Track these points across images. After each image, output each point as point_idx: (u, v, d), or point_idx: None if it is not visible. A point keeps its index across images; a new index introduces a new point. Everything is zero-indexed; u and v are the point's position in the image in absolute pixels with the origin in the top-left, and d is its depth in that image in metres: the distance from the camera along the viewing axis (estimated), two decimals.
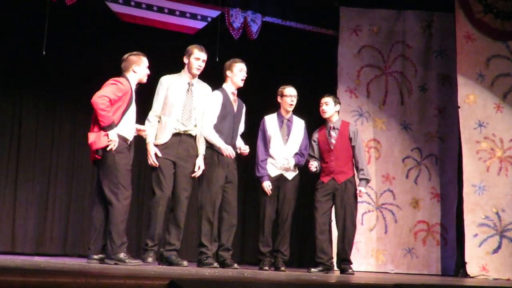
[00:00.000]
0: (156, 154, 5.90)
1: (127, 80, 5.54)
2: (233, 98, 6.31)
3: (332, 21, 8.98)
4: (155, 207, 5.91)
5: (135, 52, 5.69)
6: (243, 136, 6.54)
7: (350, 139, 6.74)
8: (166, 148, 5.92)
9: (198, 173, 6.00)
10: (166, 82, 6.03)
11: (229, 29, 8.23)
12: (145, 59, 5.67)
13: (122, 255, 5.29)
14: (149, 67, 5.67)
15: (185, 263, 5.83)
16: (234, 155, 6.14)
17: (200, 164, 6.01)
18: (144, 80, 5.67)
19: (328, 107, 6.77)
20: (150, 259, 5.78)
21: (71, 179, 8.35)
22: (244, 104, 6.49)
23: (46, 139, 8.31)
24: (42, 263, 4.51)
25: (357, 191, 6.66)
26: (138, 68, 5.60)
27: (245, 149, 6.36)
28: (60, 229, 8.20)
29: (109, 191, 5.35)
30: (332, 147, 6.71)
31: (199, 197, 6.16)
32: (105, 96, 5.34)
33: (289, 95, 6.70)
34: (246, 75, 6.34)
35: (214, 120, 6.14)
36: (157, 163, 5.89)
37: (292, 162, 6.62)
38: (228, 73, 6.33)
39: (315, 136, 6.87)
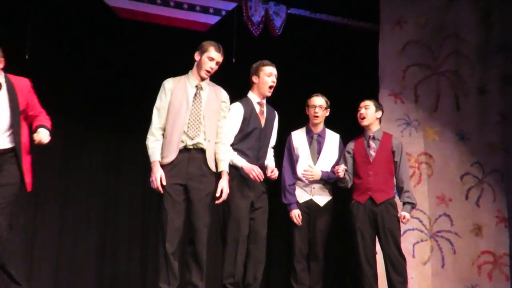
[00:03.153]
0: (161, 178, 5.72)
1: None
2: (260, 110, 6.27)
3: (371, 12, 8.92)
4: (160, 251, 5.74)
5: None
6: None
7: (393, 152, 6.73)
8: (174, 168, 5.74)
9: (222, 197, 5.84)
10: (170, 85, 5.89)
11: (248, 24, 8.22)
12: None
13: None
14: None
15: None
16: (263, 177, 6.04)
17: (223, 186, 5.85)
18: None
19: (368, 111, 6.78)
20: None
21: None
22: (275, 112, 6.49)
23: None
24: None
25: (400, 217, 6.62)
26: None
27: (273, 173, 6.22)
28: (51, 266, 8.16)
29: None
30: (371, 160, 6.69)
31: (220, 229, 6.12)
32: None
33: (313, 105, 6.76)
34: (275, 82, 6.30)
35: (231, 138, 6.09)
36: (161, 189, 5.70)
37: (317, 173, 6.60)
38: (254, 78, 6.30)
39: (350, 146, 6.86)
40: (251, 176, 5.95)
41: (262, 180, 6.02)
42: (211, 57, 5.89)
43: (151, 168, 5.76)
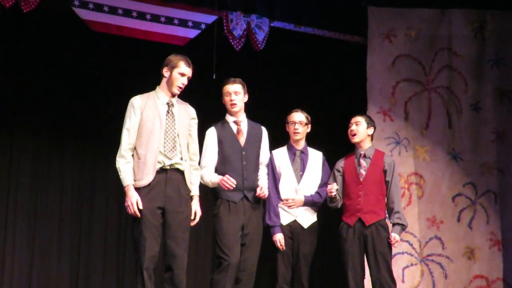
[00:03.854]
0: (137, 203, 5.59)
1: None
2: (237, 129, 6.28)
3: (358, 25, 8.89)
4: (138, 280, 5.60)
5: None
6: None
7: (385, 172, 6.64)
8: (151, 190, 5.59)
9: (195, 220, 5.80)
10: (139, 103, 5.73)
11: (229, 38, 8.13)
12: None
13: None
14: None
15: None
16: (235, 183, 6.01)
17: (196, 209, 5.80)
18: None
19: (359, 128, 6.69)
20: None
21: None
22: (262, 128, 6.50)
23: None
24: None
25: (390, 238, 6.52)
26: None
27: (261, 191, 6.21)
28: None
29: None
30: (361, 179, 6.59)
31: (215, 252, 6.18)
32: None
33: (293, 121, 6.71)
34: (234, 99, 6.26)
35: (208, 164, 6.15)
36: (138, 213, 5.54)
37: (299, 200, 6.53)
38: (223, 101, 6.36)
39: (340, 164, 6.78)
40: (224, 187, 5.97)
41: (234, 186, 6.00)
42: (182, 72, 5.78)
43: (124, 192, 5.62)
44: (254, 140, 6.34)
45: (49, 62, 8.14)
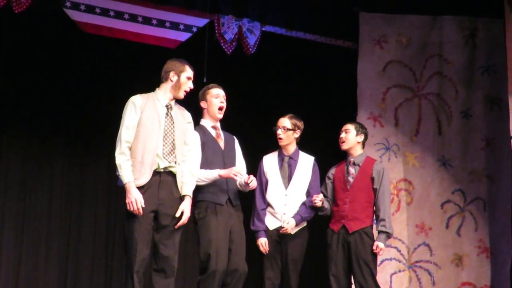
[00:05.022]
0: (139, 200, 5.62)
1: None
2: (216, 133, 6.38)
3: (350, 30, 8.98)
4: (128, 283, 5.65)
5: None
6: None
7: (372, 179, 6.79)
8: (145, 192, 5.64)
9: (182, 220, 5.76)
10: (140, 102, 5.80)
11: (220, 42, 8.24)
12: None
13: None
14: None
15: None
16: (243, 175, 6.16)
17: (184, 208, 5.79)
18: None
19: (348, 135, 6.87)
20: None
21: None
22: (234, 137, 6.57)
23: None
24: None
25: (374, 247, 6.66)
26: None
27: (251, 180, 6.23)
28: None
29: None
30: (348, 186, 6.78)
31: (200, 261, 6.12)
32: None
33: (277, 126, 6.81)
34: (224, 102, 6.38)
35: (198, 159, 6.19)
36: (141, 211, 5.57)
37: (292, 223, 6.61)
38: (203, 104, 6.41)
39: (331, 172, 6.98)
40: (233, 177, 6.06)
41: (243, 178, 6.13)
42: (189, 76, 5.94)
43: (125, 189, 5.59)
44: (231, 145, 6.44)
45: (39, 64, 8.17)
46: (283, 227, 6.58)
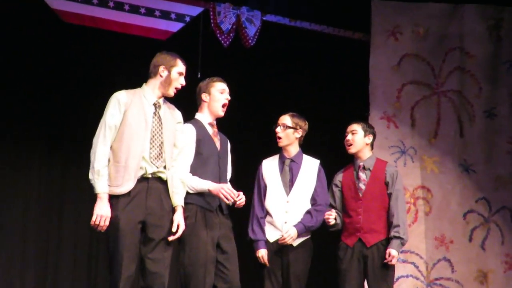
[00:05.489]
0: (112, 211, 5.46)
1: None
2: (213, 131, 6.21)
3: (361, 20, 8.94)
4: None
5: None
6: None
7: (387, 184, 6.64)
8: (132, 201, 5.49)
9: (177, 234, 5.65)
10: (125, 99, 5.64)
11: (216, 33, 8.17)
12: None
13: None
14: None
15: None
16: (235, 196, 5.90)
17: (179, 221, 5.66)
18: None
19: (355, 137, 6.71)
20: None
21: None
22: (227, 140, 6.42)
23: None
24: None
25: (386, 255, 6.49)
26: None
27: (239, 198, 6.00)
28: None
29: None
30: (360, 195, 6.59)
31: (180, 276, 5.96)
32: None
33: (277, 124, 6.73)
34: (229, 99, 6.25)
35: (188, 163, 6.02)
36: (104, 228, 5.46)
37: (292, 232, 6.45)
38: (204, 96, 6.22)
39: (338, 178, 6.81)
40: (221, 196, 5.83)
41: (235, 200, 5.90)
42: (181, 71, 5.80)
43: (96, 199, 5.49)
44: (225, 147, 6.31)
45: (13, 59, 8.02)
46: (282, 237, 6.44)
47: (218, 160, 6.13)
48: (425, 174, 8.71)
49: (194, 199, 5.94)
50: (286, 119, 6.68)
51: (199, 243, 5.88)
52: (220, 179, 6.08)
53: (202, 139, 6.06)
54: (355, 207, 6.59)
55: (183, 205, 5.76)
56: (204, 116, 6.20)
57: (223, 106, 6.19)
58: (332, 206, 6.68)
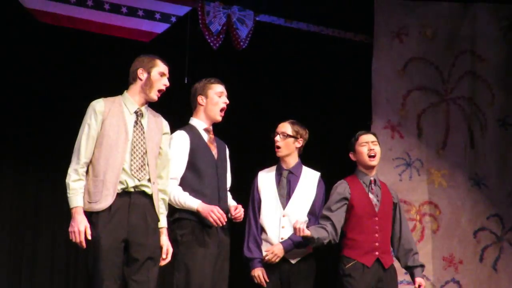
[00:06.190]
0: (91, 229, 5.35)
1: None
2: (209, 138, 6.15)
3: (363, 20, 9.02)
4: None
5: None
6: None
7: (394, 205, 6.62)
8: (113, 218, 5.42)
9: (167, 259, 5.68)
10: (102, 108, 5.58)
11: (204, 34, 8.17)
12: None
13: None
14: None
15: None
16: (226, 220, 5.88)
17: (167, 246, 5.68)
18: None
19: (378, 148, 6.59)
20: None
21: None
22: (225, 145, 6.38)
23: None
24: None
25: (416, 285, 6.46)
26: None
27: (237, 211, 6.09)
28: None
29: None
30: (376, 210, 6.50)
31: None
32: None
33: (276, 132, 6.65)
34: (227, 103, 6.20)
35: (178, 174, 5.99)
36: (84, 244, 5.34)
37: (276, 249, 6.38)
38: (200, 99, 6.17)
39: (346, 190, 6.54)
40: (210, 220, 5.76)
41: (224, 224, 5.84)
42: (162, 72, 5.70)
43: (71, 215, 5.38)
44: (223, 154, 6.25)
45: None
46: (265, 254, 6.40)
47: (216, 170, 6.09)
48: (433, 188, 8.78)
49: (190, 215, 5.91)
50: (286, 127, 6.59)
51: (196, 263, 5.86)
52: (219, 190, 6.07)
53: (197, 148, 6.02)
54: (370, 224, 6.46)
55: (166, 225, 5.73)
56: (200, 121, 6.15)
57: (221, 110, 6.14)
58: (326, 219, 6.41)
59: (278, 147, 6.60)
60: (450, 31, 9.01)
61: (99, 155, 5.51)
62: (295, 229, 6.11)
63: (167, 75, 5.78)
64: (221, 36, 8.26)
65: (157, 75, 5.69)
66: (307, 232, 6.11)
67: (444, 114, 8.93)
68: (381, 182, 6.69)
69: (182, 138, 6.02)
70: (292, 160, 6.67)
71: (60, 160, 7.74)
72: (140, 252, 5.49)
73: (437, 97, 8.94)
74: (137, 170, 5.55)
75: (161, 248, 5.65)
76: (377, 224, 6.48)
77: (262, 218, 6.57)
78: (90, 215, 5.40)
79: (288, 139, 6.61)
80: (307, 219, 6.50)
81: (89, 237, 5.31)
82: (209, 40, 8.21)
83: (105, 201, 5.43)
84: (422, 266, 6.57)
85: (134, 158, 5.57)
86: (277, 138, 6.60)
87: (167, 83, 5.74)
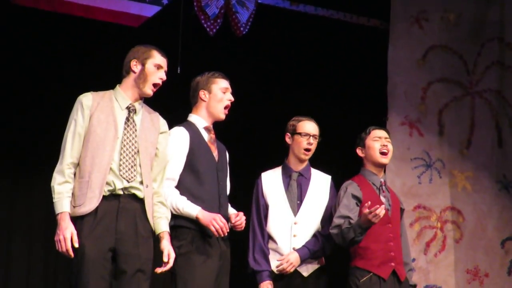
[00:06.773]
0: (77, 236, 5.25)
1: None
2: (209, 138, 6.07)
3: (378, 4, 8.97)
4: None
5: None
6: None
7: (401, 211, 6.62)
8: (99, 223, 5.34)
9: (169, 265, 5.54)
10: (90, 102, 5.51)
11: (200, 19, 8.03)
12: None
13: None
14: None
15: None
16: (228, 230, 5.82)
17: (169, 250, 5.54)
18: None
19: (391, 146, 6.58)
20: None
21: None
22: (225, 148, 6.28)
23: None
24: None
25: None
26: None
27: (238, 218, 6.02)
28: None
29: None
30: (389, 216, 6.41)
31: None
32: None
33: (307, 133, 6.54)
34: (232, 100, 6.15)
35: (175, 175, 5.88)
36: (71, 253, 5.21)
37: (292, 258, 6.34)
38: (202, 94, 6.09)
39: (356, 192, 6.49)
40: (212, 229, 5.68)
41: (226, 234, 5.77)
42: (159, 64, 5.65)
43: (57, 222, 5.28)
44: (223, 159, 6.20)
45: None
46: (280, 263, 6.36)
47: (216, 174, 6.04)
48: (456, 192, 8.76)
49: (190, 223, 5.85)
50: (316, 129, 6.61)
51: (195, 277, 5.78)
52: (220, 196, 6.02)
53: (197, 148, 5.95)
54: (384, 231, 6.38)
55: (168, 230, 5.64)
56: (200, 119, 6.10)
57: (225, 108, 6.11)
58: (346, 217, 6.33)
59: (309, 150, 6.59)
60: (476, 16, 8.97)
61: (85, 154, 5.47)
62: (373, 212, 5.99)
63: (165, 68, 5.72)
64: (218, 21, 8.14)
65: (153, 68, 5.65)
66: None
67: (469, 109, 8.90)
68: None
69: (181, 135, 5.96)
70: (305, 161, 6.64)
71: (37, 162, 7.74)
72: (129, 263, 5.40)
73: (460, 90, 8.91)
74: (126, 170, 5.49)
75: (154, 259, 5.52)
76: (391, 231, 6.42)
77: (270, 226, 6.53)
78: (75, 221, 5.32)
79: (315, 141, 6.63)
80: (319, 226, 6.48)
81: (76, 245, 5.22)
82: (205, 25, 8.07)
83: (89, 204, 5.36)
84: (414, 286, 6.61)
85: (124, 157, 5.52)
86: (312, 141, 6.60)
87: (164, 77, 5.69)
